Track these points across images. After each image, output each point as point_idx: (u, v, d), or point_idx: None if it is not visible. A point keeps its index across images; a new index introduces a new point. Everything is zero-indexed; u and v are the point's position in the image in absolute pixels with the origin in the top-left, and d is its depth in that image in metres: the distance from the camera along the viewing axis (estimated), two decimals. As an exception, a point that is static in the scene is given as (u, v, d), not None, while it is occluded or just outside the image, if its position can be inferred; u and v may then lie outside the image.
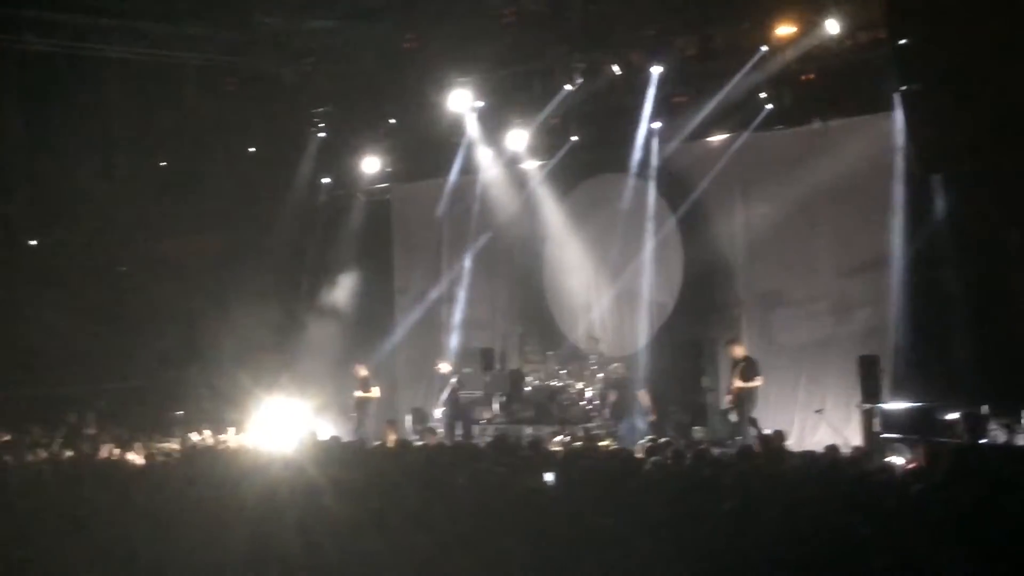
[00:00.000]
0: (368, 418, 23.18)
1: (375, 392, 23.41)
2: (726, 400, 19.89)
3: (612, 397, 21.57)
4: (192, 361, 24.79)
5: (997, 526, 8.16)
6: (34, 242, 25.86)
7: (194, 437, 19.51)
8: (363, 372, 23.51)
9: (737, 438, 18.87)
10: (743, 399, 19.53)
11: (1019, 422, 15.66)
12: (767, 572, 7.77)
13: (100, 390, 23.82)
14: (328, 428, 21.34)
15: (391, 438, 19.40)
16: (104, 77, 23.39)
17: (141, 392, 24.11)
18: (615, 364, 22.09)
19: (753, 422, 18.73)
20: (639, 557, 8.14)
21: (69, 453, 17.86)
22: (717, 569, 7.91)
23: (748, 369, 19.58)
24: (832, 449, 14.36)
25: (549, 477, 11.20)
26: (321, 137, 25.64)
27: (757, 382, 19.56)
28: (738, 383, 19.48)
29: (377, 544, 8.58)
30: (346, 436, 19.99)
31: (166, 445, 18.44)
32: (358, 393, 23.29)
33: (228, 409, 21.57)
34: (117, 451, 17.46)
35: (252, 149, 25.78)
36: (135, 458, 16.66)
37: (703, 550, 8.12)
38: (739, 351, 19.94)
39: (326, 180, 26.56)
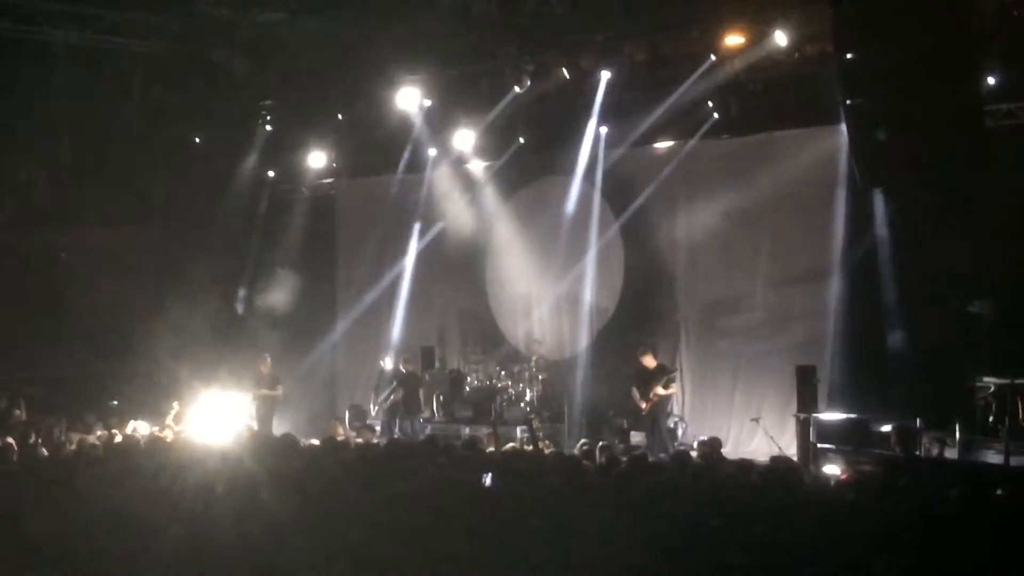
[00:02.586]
0: (271, 418, 22.69)
1: (279, 391, 22.98)
2: (643, 409, 19.89)
3: (398, 395, 22.17)
4: (128, 351, 24.54)
5: (927, 538, 8.28)
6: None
7: (128, 429, 19.32)
8: (268, 368, 23.07)
9: (662, 446, 19.01)
10: (659, 407, 19.63)
11: (952, 436, 15.85)
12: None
13: (33, 377, 23.53)
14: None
15: (339, 432, 19.39)
16: (49, 62, 23.09)
17: (75, 381, 23.80)
18: (405, 356, 22.66)
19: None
20: (575, 559, 8.18)
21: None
22: (651, 572, 7.96)
23: (670, 378, 19.71)
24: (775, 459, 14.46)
25: (487, 478, 11.20)
26: (267, 130, 25.51)
27: (673, 390, 19.76)
28: (659, 391, 19.55)
29: (315, 539, 8.58)
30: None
31: (100, 435, 18.24)
32: (262, 391, 22.77)
33: (164, 401, 21.35)
34: (42, 439, 17.26)
35: (197, 140, 25.58)
36: (67, 448, 16.49)
37: (639, 554, 8.16)
38: (652, 361, 19.98)
39: (271, 174, 26.44)
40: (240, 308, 26.35)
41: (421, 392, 22.43)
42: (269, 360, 23.08)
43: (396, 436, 21.68)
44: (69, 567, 8.66)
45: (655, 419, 19.61)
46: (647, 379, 19.80)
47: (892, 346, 18.41)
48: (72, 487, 11.18)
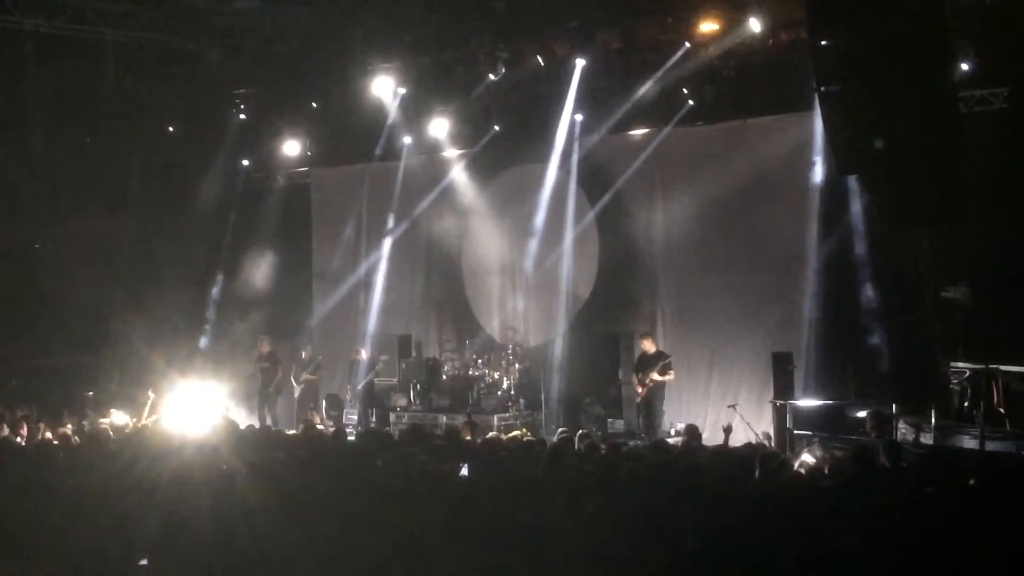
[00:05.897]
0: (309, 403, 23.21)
1: (318, 375, 23.51)
2: (638, 393, 19.93)
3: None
4: (104, 342, 24.45)
5: (902, 524, 8.31)
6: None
7: (105, 419, 19.23)
8: (267, 348, 23.47)
9: (653, 433, 19.00)
10: (655, 393, 19.66)
11: (927, 422, 15.90)
12: (682, 565, 7.83)
13: (8, 369, 23.42)
14: (240, 413, 21.31)
15: (316, 421, 19.47)
16: (21, 52, 22.92)
17: (50, 372, 23.71)
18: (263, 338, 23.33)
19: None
20: (553, 549, 8.18)
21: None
22: (632, 560, 7.96)
23: (666, 364, 19.69)
24: (747, 447, 14.46)
25: (463, 469, 11.22)
26: (242, 119, 25.42)
27: (670, 376, 19.73)
28: (655, 377, 19.57)
29: (290, 528, 8.55)
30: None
31: (75, 427, 18.14)
32: (303, 375, 23.28)
33: (140, 392, 21.26)
34: (22, 432, 17.18)
35: (171, 129, 25.46)
36: (42, 438, 16.42)
37: (618, 543, 8.16)
38: (651, 346, 20.04)
39: (246, 163, 26.35)
40: (215, 298, 26.26)
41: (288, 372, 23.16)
42: (267, 340, 23.13)
43: (372, 425, 21.69)
44: (43, 555, 8.63)
45: (649, 405, 19.63)
46: (645, 364, 19.81)
47: (867, 332, 18.45)
48: (47, 477, 11.14)
